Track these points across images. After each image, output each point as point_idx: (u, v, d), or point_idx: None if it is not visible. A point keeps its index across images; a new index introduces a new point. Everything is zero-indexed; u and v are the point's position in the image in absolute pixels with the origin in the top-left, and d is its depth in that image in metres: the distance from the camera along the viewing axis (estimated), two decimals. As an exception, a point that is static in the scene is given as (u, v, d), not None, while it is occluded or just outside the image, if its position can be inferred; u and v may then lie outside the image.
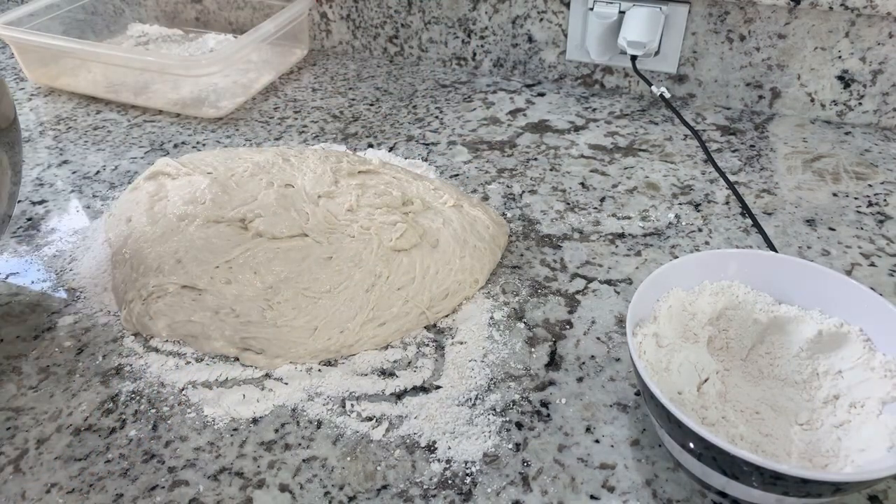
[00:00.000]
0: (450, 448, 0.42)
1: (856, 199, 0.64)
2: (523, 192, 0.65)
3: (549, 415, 0.44)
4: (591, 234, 0.60)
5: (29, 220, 0.64)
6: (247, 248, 0.52)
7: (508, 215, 0.62)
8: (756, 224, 0.60)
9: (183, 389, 0.47)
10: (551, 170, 0.69)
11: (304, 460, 0.42)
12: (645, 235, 0.60)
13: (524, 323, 0.51)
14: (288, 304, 0.49)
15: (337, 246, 0.53)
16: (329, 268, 0.51)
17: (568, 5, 0.80)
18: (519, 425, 0.44)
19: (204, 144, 0.75)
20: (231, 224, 0.55)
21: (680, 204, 0.63)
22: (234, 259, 0.52)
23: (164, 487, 0.41)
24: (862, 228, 0.60)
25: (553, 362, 0.48)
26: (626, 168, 0.69)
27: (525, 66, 0.87)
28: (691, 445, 0.36)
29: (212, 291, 0.50)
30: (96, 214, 0.64)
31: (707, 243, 0.58)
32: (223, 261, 0.52)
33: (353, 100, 0.83)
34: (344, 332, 0.48)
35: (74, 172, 0.71)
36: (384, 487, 0.40)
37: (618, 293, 0.54)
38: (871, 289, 0.42)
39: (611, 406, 0.45)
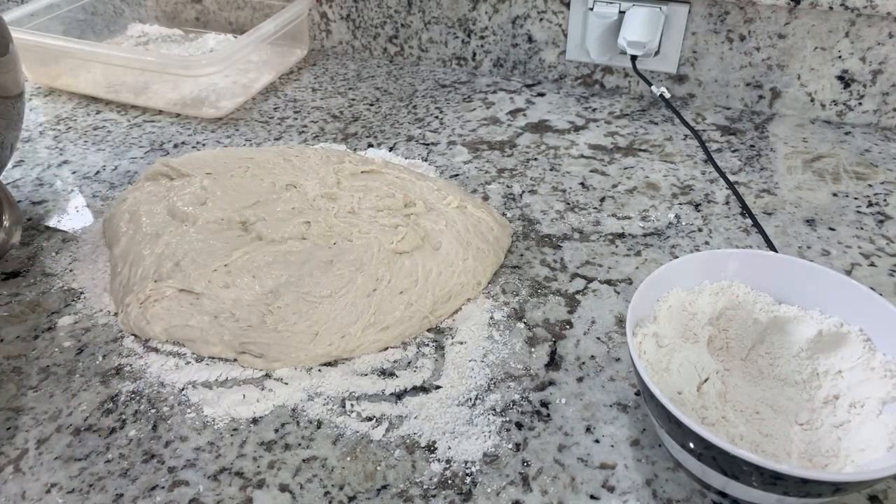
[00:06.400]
0: (450, 448, 0.42)
1: (856, 199, 0.64)
2: (523, 192, 0.65)
3: (549, 415, 0.44)
4: (591, 234, 0.60)
5: (29, 219, 0.64)
6: (246, 251, 0.52)
7: (508, 215, 0.62)
8: (756, 224, 0.60)
9: (183, 389, 0.47)
10: (551, 170, 0.69)
11: (304, 460, 0.42)
12: (645, 235, 0.60)
13: (524, 323, 0.51)
14: (288, 308, 0.49)
15: (338, 249, 0.52)
16: (330, 272, 0.51)
17: (568, 5, 0.80)
18: (519, 425, 0.44)
19: (204, 144, 0.75)
20: (230, 226, 0.55)
21: (680, 204, 0.63)
22: (232, 262, 0.51)
23: (164, 487, 0.41)
24: (862, 228, 0.60)
25: (553, 362, 0.48)
26: (626, 168, 0.69)
27: (525, 66, 0.87)
28: (691, 445, 0.36)
29: (210, 295, 0.50)
30: (96, 214, 0.64)
31: (707, 243, 0.58)
32: (221, 264, 0.51)
33: (353, 100, 0.83)
34: (345, 338, 0.48)
35: (74, 172, 0.71)
36: (384, 487, 0.40)
37: (618, 293, 0.54)
38: (871, 289, 0.42)
39: (611, 406, 0.45)
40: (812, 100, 0.76)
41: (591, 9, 0.78)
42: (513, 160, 0.70)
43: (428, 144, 0.74)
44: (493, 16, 0.84)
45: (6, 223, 0.56)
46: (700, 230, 0.60)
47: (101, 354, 0.49)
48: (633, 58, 0.76)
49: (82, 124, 0.80)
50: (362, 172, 0.61)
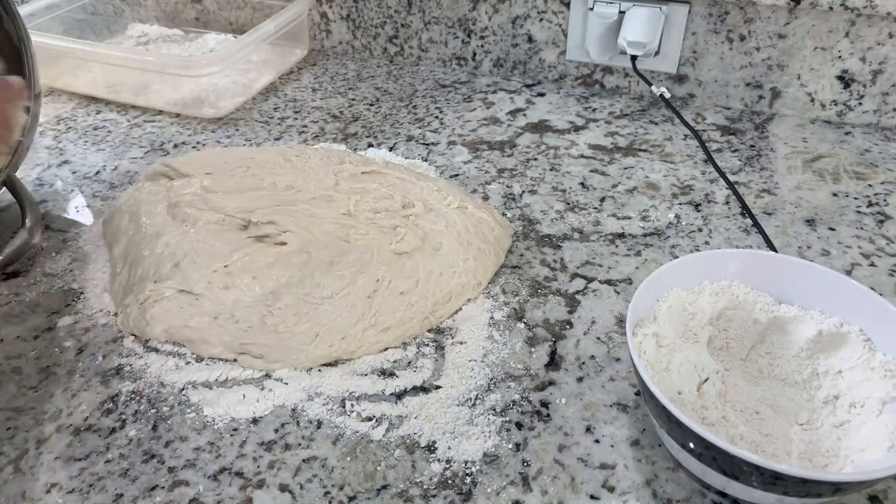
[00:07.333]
0: (450, 448, 0.42)
1: (856, 199, 0.64)
2: (523, 192, 0.65)
3: (549, 415, 0.44)
4: (591, 234, 0.60)
5: (29, 220, 0.64)
6: (246, 252, 0.52)
7: (508, 215, 0.62)
8: (756, 224, 0.60)
9: (183, 389, 0.47)
10: (551, 170, 0.69)
11: (304, 460, 0.42)
12: (645, 235, 0.60)
13: (524, 323, 0.51)
14: (289, 309, 0.49)
15: (338, 250, 0.52)
16: (331, 273, 0.51)
17: (568, 5, 0.80)
18: (519, 425, 0.44)
19: (204, 144, 0.75)
20: (231, 227, 0.55)
21: (680, 204, 0.63)
22: (232, 263, 0.51)
23: (164, 487, 0.41)
24: (862, 228, 0.60)
25: (553, 362, 0.48)
26: (626, 168, 0.69)
27: (525, 66, 0.87)
28: (691, 445, 0.36)
29: (209, 296, 0.50)
30: (96, 214, 0.64)
31: (707, 243, 0.58)
32: (221, 265, 0.51)
33: (353, 100, 0.83)
34: (346, 339, 0.48)
35: (74, 172, 0.71)
36: (384, 487, 0.40)
37: (618, 293, 0.54)
38: (871, 289, 0.42)
39: (611, 406, 0.45)
40: (812, 100, 0.76)
41: (591, 9, 0.78)
42: (513, 160, 0.70)
43: (428, 144, 0.74)
44: (493, 16, 0.84)
45: (28, 223, 0.57)
46: (700, 230, 0.60)
47: (101, 354, 0.49)
48: (633, 58, 0.76)
49: (82, 124, 0.80)
50: (362, 173, 0.61)
